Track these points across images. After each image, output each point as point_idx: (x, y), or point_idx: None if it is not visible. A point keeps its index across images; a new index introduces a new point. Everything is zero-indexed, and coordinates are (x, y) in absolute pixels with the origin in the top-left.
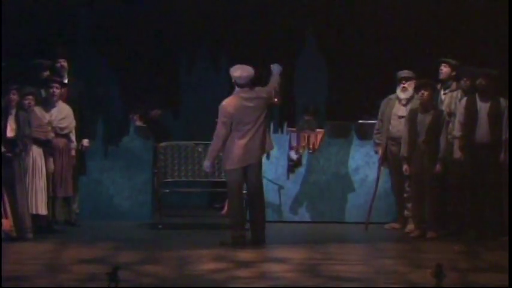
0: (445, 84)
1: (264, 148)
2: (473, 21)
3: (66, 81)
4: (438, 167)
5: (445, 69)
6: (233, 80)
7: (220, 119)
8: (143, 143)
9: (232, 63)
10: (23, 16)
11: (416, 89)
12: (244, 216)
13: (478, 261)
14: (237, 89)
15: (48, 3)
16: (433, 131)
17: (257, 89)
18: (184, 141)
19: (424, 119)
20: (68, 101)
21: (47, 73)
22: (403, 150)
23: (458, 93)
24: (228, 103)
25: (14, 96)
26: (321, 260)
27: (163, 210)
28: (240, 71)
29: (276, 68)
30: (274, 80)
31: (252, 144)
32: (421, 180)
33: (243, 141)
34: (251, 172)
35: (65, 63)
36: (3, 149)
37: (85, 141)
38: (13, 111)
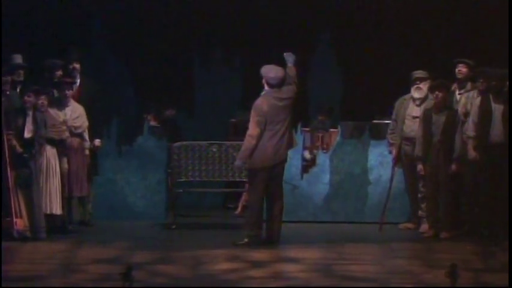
0: (461, 84)
1: (289, 146)
2: (488, 22)
3: (78, 82)
4: (453, 166)
5: (463, 70)
6: (265, 80)
7: (254, 119)
8: (157, 142)
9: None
10: (37, 17)
11: (431, 90)
12: (262, 215)
13: (492, 262)
14: (266, 89)
15: (62, 4)
16: (448, 131)
17: (285, 88)
18: (198, 141)
19: (439, 119)
20: (80, 100)
21: (59, 73)
22: (418, 150)
23: (474, 94)
24: (262, 102)
25: (30, 98)
26: (334, 260)
27: (177, 210)
28: (274, 72)
29: (290, 59)
30: (293, 73)
31: (281, 143)
32: (436, 180)
33: (273, 141)
34: (276, 171)
35: (77, 65)
36: (20, 150)
37: (97, 141)
38: (30, 113)
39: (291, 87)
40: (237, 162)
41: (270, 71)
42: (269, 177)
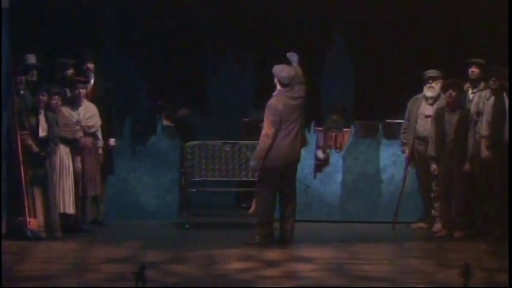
0: (474, 83)
1: (302, 145)
2: (501, 21)
3: (92, 81)
4: (467, 166)
5: (476, 70)
6: (277, 80)
7: (269, 118)
8: (170, 142)
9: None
10: (49, 17)
11: (444, 89)
12: (273, 215)
13: (505, 261)
14: (279, 88)
15: (75, 4)
16: (461, 130)
17: (297, 87)
18: (211, 140)
19: (452, 119)
20: (93, 100)
21: (71, 72)
22: (431, 150)
23: (486, 93)
24: (277, 102)
25: (43, 98)
26: (347, 259)
27: (190, 210)
28: (287, 71)
29: (294, 58)
30: (299, 72)
31: (295, 143)
32: (449, 179)
33: (288, 140)
34: (290, 170)
35: (91, 65)
36: (36, 149)
37: (111, 141)
38: (42, 112)
39: (302, 87)
40: (253, 163)
41: (282, 71)
42: (281, 177)
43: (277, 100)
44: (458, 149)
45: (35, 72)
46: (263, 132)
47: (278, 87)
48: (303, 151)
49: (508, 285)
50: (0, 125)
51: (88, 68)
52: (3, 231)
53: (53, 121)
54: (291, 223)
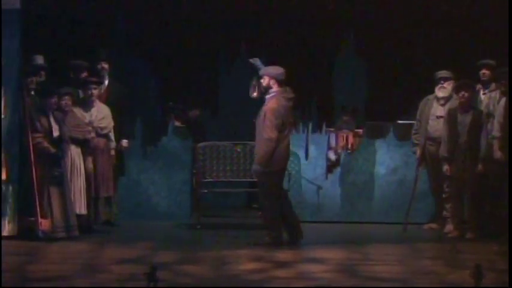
0: (486, 84)
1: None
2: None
3: (107, 82)
4: (480, 167)
5: (487, 72)
6: (275, 81)
7: (273, 122)
8: (182, 143)
9: (271, 63)
10: (61, 17)
11: (457, 90)
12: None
13: None
14: (275, 90)
15: (88, 5)
16: (474, 131)
17: (288, 88)
18: (222, 141)
19: (465, 119)
20: (107, 101)
21: (85, 74)
22: (444, 151)
23: (496, 94)
24: (278, 105)
25: (54, 99)
26: (359, 260)
27: (201, 210)
28: (279, 68)
29: (259, 63)
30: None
31: (289, 144)
32: (462, 180)
33: (286, 142)
34: (285, 172)
35: (106, 65)
36: (53, 150)
37: (124, 142)
38: (51, 113)
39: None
40: (257, 167)
41: (276, 69)
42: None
43: (277, 102)
44: (471, 150)
45: (43, 72)
46: (266, 136)
47: (274, 88)
48: (314, 151)
49: (508, 285)
50: (0, 123)
51: (103, 68)
52: (15, 232)
53: (62, 121)
54: (299, 223)
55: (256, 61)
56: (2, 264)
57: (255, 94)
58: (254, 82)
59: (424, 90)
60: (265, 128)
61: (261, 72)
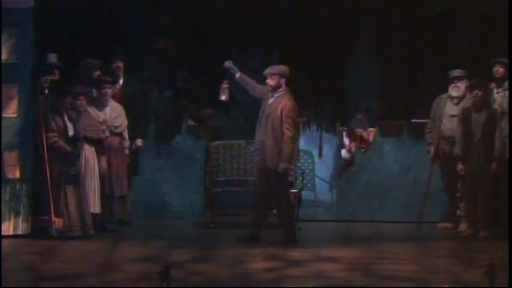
0: (499, 83)
1: None
2: None
3: (121, 81)
4: (494, 165)
5: (500, 69)
6: (285, 80)
7: (294, 120)
8: (195, 142)
9: (284, 62)
10: (77, 16)
11: (471, 89)
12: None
13: None
14: (283, 88)
15: (102, 3)
16: (489, 130)
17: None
18: (236, 140)
19: (479, 118)
20: (122, 100)
21: (98, 73)
22: (458, 150)
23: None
24: (293, 102)
25: (68, 99)
26: (373, 259)
27: (215, 209)
28: (287, 67)
29: (232, 66)
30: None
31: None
32: (476, 179)
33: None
34: None
35: (121, 64)
36: (70, 149)
37: (138, 141)
38: (65, 112)
39: None
40: (285, 165)
41: (284, 68)
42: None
43: (292, 100)
44: (486, 148)
45: (56, 71)
46: (289, 134)
47: (284, 86)
48: (327, 150)
49: (508, 285)
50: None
51: (118, 67)
52: (28, 230)
53: (76, 120)
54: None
55: (230, 64)
56: (16, 262)
57: (224, 97)
58: (224, 85)
59: (437, 89)
60: (288, 126)
61: (268, 71)
